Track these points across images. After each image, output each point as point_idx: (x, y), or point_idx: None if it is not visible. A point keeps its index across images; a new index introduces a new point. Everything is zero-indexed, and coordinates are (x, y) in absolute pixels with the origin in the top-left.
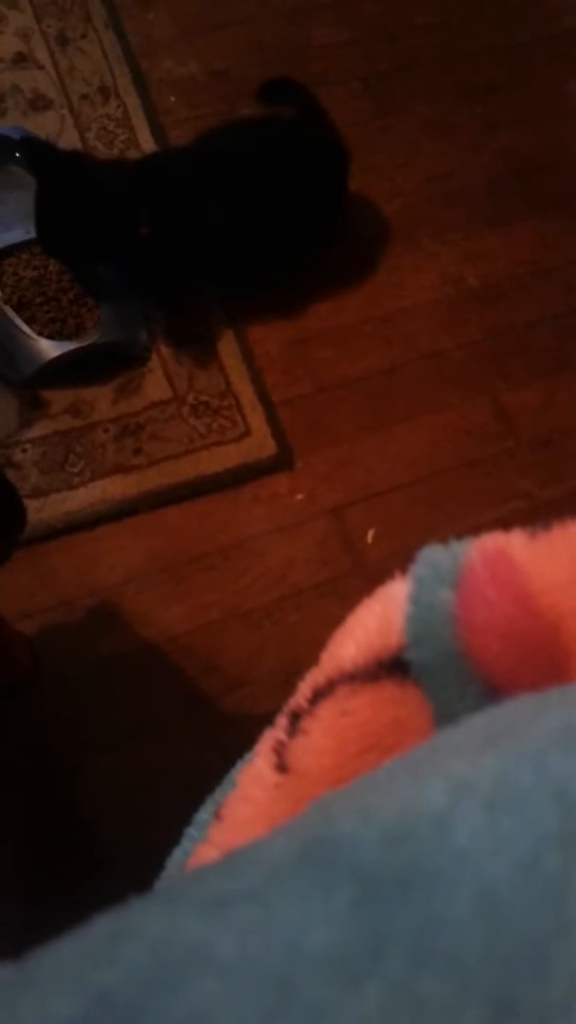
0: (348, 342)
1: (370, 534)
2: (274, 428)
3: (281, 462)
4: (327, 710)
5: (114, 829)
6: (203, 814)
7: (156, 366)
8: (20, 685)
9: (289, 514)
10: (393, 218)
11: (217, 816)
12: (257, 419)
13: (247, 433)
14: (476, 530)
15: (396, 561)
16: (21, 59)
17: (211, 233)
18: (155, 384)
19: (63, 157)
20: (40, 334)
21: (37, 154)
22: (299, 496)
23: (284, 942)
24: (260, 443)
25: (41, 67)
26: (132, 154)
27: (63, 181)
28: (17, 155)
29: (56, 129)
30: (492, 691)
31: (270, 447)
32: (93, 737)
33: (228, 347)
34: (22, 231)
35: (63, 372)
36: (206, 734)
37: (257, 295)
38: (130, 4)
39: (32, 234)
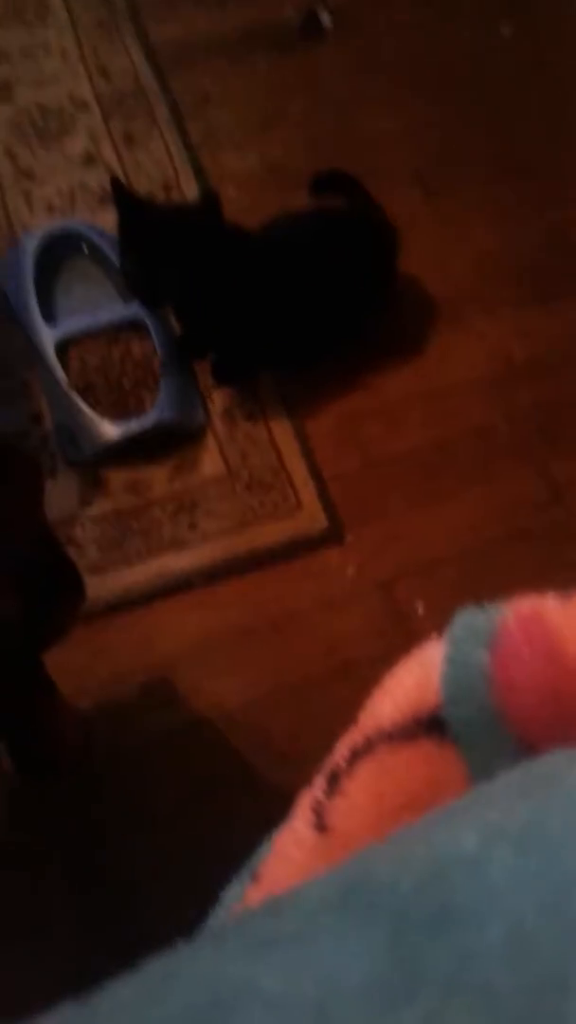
0: (397, 418)
1: (420, 607)
2: (325, 503)
3: (332, 536)
4: (365, 769)
5: (164, 905)
6: (241, 876)
7: (211, 444)
8: (73, 761)
9: (340, 588)
10: (441, 297)
11: (254, 877)
12: (308, 494)
13: (299, 508)
14: None
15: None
16: (90, 158)
17: (274, 304)
18: (210, 461)
19: (152, 204)
20: (102, 416)
21: (123, 196)
22: (350, 570)
23: (325, 976)
24: (311, 518)
25: (108, 165)
26: None
27: (146, 219)
28: (85, 249)
29: None
30: (528, 749)
31: (321, 521)
32: (146, 814)
33: (280, 424)
34: (89, 320)
35: (122, 452)
36: (258, 809)
37: (309, 374)
38: (191, 103)
39: (97, 322)
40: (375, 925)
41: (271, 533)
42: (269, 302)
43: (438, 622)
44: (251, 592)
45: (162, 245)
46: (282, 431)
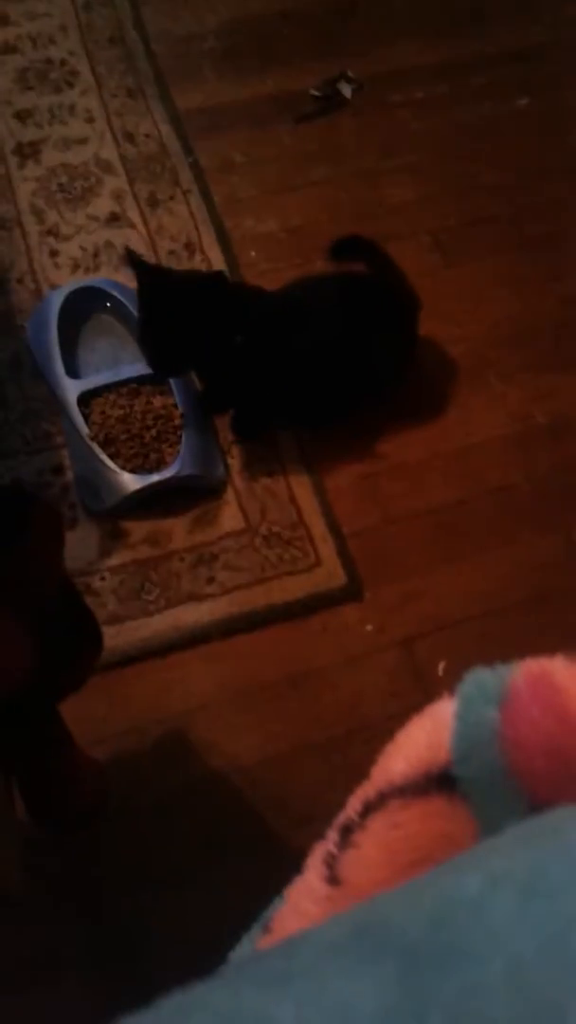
0: (418, 477)
1: (441, 667)
2: (344, 559)
3: (351, 593)
4: (378, 823)
5: (174, 963)
6: (252, 931)
7: (231, 498)
8: (90, 813)
9: (359, 645)
10: (461, 360)
11: (266, 929)
12: (327, 550)
13: (318, 563)
14: None
15: None
16: (115, 218)
17: (293, 365)
18: (230, 515)
19: (166, 272)
20: (123, 468)
21: (139, 265)
22: (369, 627)
23: (338, 1008)
24: (330, 573)
25: (132, 226)
26: None
27: (164, 290)
28: (108, 305)
29: None
30: (536, 805)
31: (340, 577)
32: (158, 870)
33: (300, 480)
34: (111, 374)
35: (143, 504)
36: (272, 869)
37: (329, 431)
38: (215, 168)
39: (119, 376)
40: (384, 961)
41: (289, 588)
42: (288, 361)
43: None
44: (269, 647)
45: (178, 310)
46: (301, 487)
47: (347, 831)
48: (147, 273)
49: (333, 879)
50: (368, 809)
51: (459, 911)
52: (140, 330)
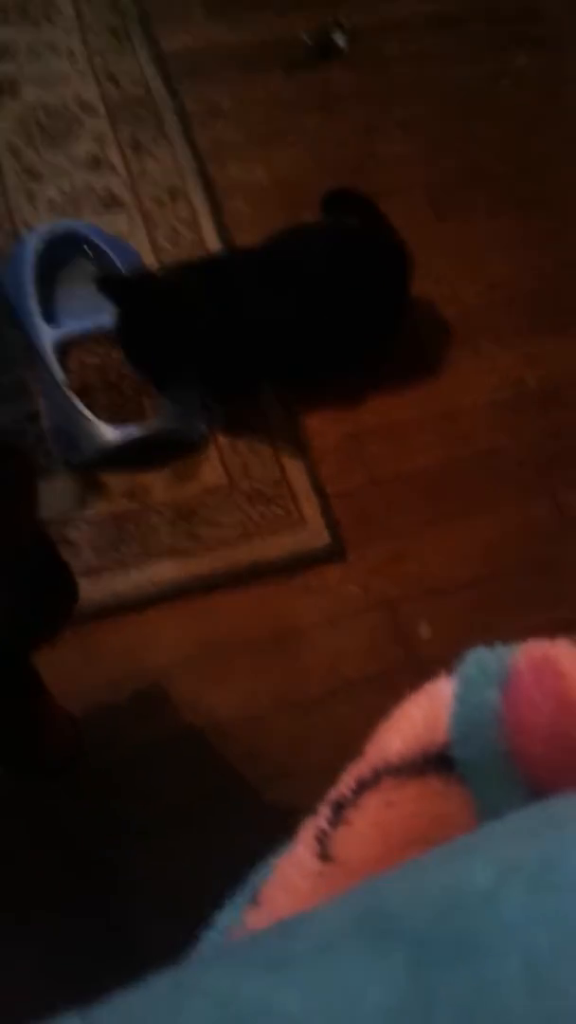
0: (405, 438)
1: (424, 630)
2: (328, 519)
3: (334, 553)
4: (372, 801)
5: (150, 918)
6: (238, 899)
7: (212, 453)
8: (63, 763)
9: (341, 605)
10: (453, 321)
11: (254, 901)
12: (311, 509)
13: (301, 522)
14: (532, 631)
15: (450, 657)
16: (95, 162)
17: (273, 328)
18: (211, 471)
19: (136, 281)
20: (101, 419)
21: (111, 285)
22: (352, 587)
23: (345, 997)
24: (313, 533)
25: (114, 169)
26: (198, 254)
27: (137, 301)
28: (87, 251)
29: (126, 229)
30: (535, 791)
31: (323, 537)
32: (133, 824)
33: (284, 437)
34: (89, 321)
35: (122, 456)
36: (249, 824)
37: (316, 390)
38: (201, 112)
39: (98, 324)
40: (392, 952)
41: (272, 546)
42: (273, 316)
43: (443, 646)
44: (250, 605)
45: (156, 317)
46: (286, 445)
47: (339, 808)
48: (121, 293)
49: (324, 855)
50: (362, 787)
51: (468, 903)
52: (127, 355)
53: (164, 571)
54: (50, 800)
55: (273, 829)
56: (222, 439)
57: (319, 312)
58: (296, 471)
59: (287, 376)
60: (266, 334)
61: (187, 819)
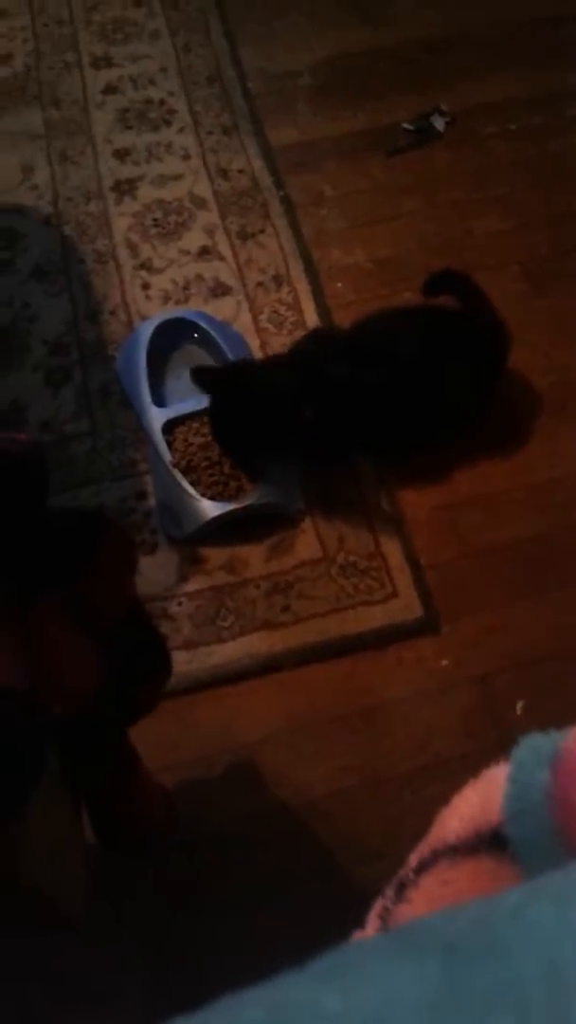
0: (499, 508)
1: (519, 705)
2: (421, 591)
3: (427, 625)
4: (429, 880)
5: (232, 988)
6: None
7: (308, 527)
8: (155, 837)
9: (434, 679)
10: (548, 392)
11: None
12: (404, 581)
13: (394, 595)
14: None
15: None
16: (206, 252)
17: (367, 404)
18: (306, 544)
19: (230, 372)
20: (203, 495)
21: (204, 377)
22: (445, 661)
23: (383, 995)
24: (407, 605)
25: (223, 259)
26: (298, 334)
27: (231, 394)
28: (196, 336)
29: (232, 313)
30: None
31: (416, 609)
32: (220, 901)
33: (379, 510)
34: (195, 402)
35: (221, 531)
36: (337, 905)
37: (410, 463)
38: (305, 202)
39: (203, 405)
40: (427, 957)
41: (365, 619)
42: (367, 393)
43: (538, 722)
44: (341, 678)
45: (247, 409)
46: (380, 517)
47: (402, 887)
48: (212, 384)
49: (386, 932)
50: (422, 867)
51: (498, 916)
52: (218, 441)
53: (258, 644)
54: (142, 873)
55: (358, 910)
56: (318, 513)
57: (412, 388)
58: (390, 543)
59: (382, 450)
60: (361, 410)
61: (273, 898)
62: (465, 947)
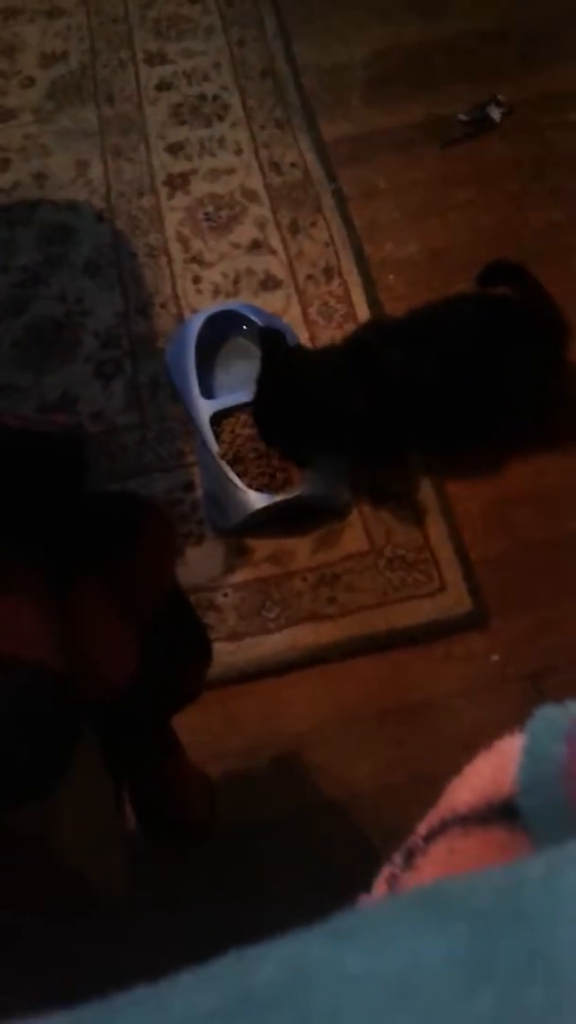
0: (552, 504)
1: (570, 702)
2: (471, 585)
3: (476, 620)
4: (438, 848)
5: None
6: None
7: (356, 520)
8: (198, 827)
9: (483, 675)
10: None
11: None
12: (453, 575)
13: (442, 589)
14: None
15: None
16: (256, 245)
17: (418, 396)
18: (354, 537)
19: (290, 353)
20: (250, 487)
21: (271, 346)
22: (494, 657)
23: (407, 959)
24: (456, 599)
25: (273, 252)
26: (348, 327)
27: (285, 376)
28: (245, 328)
29: (282, 306)
30: None
31: (466, 604)
32: (263, 890)
33: (428, 503)
34: (243, 394)
35: (268, 522)
36: None
37: (462, 456)
38: (358, 195)
39: (251, 397)
40: (454, 922)
41: (412, 613)
42: (418, 384)
43: None
44: (389, 672)
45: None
46: (430, 511)
47: (411, 855)
48: (272, 357)
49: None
50: (431, 835)
51: (524, 885)
52: (261, 433)
53: (304, 636)
54: (184, 864)
55: None
56: (366, 506)
57: (466, 379)
58: (439, 537)
59: (434, 443)
60: (412, 402)
61: (317, 891)
62: (491, 915)
